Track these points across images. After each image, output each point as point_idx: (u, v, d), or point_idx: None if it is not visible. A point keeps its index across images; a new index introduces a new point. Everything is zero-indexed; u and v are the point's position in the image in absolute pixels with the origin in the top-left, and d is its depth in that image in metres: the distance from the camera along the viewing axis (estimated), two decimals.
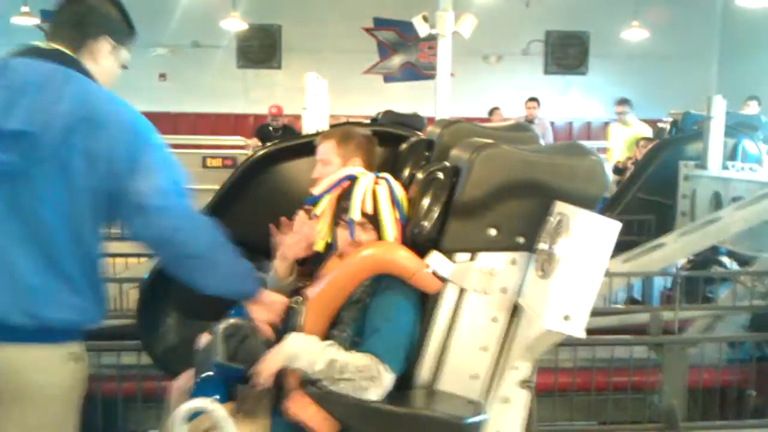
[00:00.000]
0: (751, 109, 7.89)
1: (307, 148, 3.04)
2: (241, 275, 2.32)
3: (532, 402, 2.17)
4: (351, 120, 6.25)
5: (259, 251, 2.71)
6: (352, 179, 2.30)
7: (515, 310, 2.15)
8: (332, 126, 4.56)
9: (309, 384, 2.01)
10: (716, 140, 5.86)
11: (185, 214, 2.18)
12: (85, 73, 2.17)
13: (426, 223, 2.18)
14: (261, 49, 13.55)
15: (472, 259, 2.13)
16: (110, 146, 2.06)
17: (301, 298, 2.25)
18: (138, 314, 3.19)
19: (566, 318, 1.90)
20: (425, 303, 2.18)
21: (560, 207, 2.06)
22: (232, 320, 2.25)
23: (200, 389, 2.24)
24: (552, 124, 11.42)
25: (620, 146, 8.54)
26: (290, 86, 11.04)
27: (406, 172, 2.71)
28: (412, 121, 3.66)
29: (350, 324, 2.15)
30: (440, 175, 2.22)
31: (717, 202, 5.52)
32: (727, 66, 12.57)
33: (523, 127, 2.83)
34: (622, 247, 4.36)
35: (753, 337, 4.46)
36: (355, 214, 2.23)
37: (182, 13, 12.62)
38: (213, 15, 12.31)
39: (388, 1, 13.24)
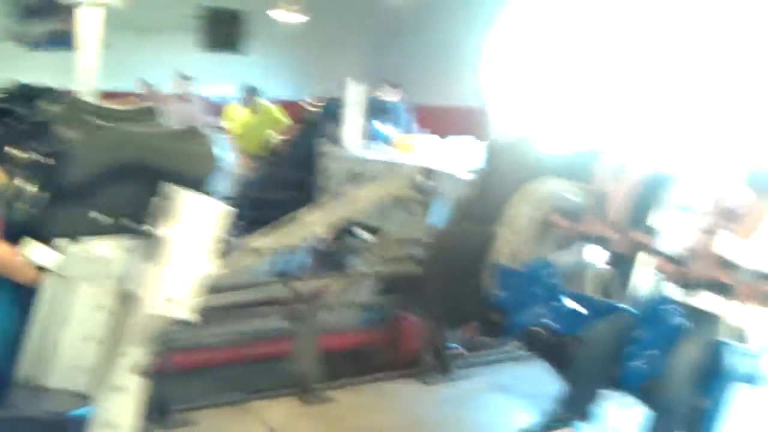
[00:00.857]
0: (388, 93, 8.65)
1: None
2: None
3: (169, 383, 2.14)
4: None
5: None
6: None
7: (126, 296, 2.11)
8: None
9: None
10: (352, 122, 6.34)
11: None
12: None
13: (22, 208, 2.02)
14: None
15: (74, 245, 2.03)
16: None
17: None
18: None
19: (169, 300, 1.91)
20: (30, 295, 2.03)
21: (168, 189, 2.05)
22: None
23: None
24: (206, 100, 11.32)
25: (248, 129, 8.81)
26: None
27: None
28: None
29: None
30: (38, 156, 2.08)
31: (352, 179, 5.99)
32: (375, 52, 13.52)
33: (146, 110, 2.76)
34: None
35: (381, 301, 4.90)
36: None
37: None
38: None
39: None
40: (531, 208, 4.33)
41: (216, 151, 2.28)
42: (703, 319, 3.28)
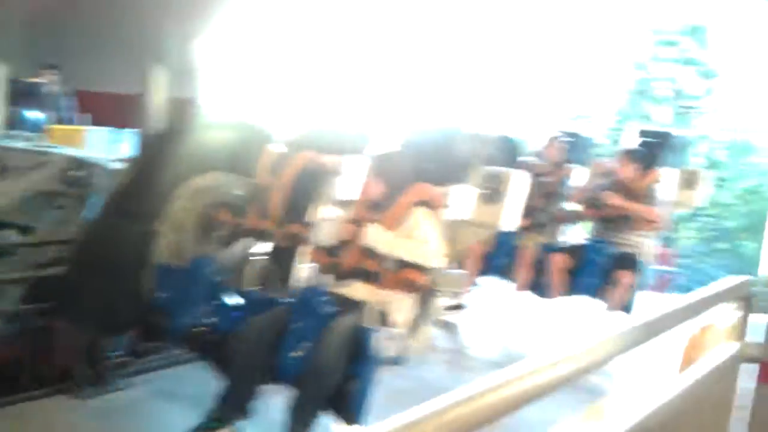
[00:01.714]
0: (44, 76, 7.84)
1: None
2: None
3: None
4: None
5: None
6: None
7: None
8: None
9: None
10: None
11: None
12: None
13: None
14: None
15: None
16: None
17: None
18: None
19: None
20: None
21: None
22: None
23: None
24: None
25: None
26: None
27: None
28: None
29: None
30: None
31: None
32: (32, 30, 12.26)
33: None
34: None
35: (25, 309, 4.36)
36: None
37: None
38: None
39: None
40: (193, 203, 4.17)
41: None
42: (351, 306, 3.40)
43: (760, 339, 2.02)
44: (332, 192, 3.99)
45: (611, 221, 5.71)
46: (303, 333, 3.32)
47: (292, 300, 3.54)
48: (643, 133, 6.71)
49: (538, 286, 5.85)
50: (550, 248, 5.83)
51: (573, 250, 5.83)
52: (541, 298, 5.95)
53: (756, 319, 2.16)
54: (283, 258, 3.94)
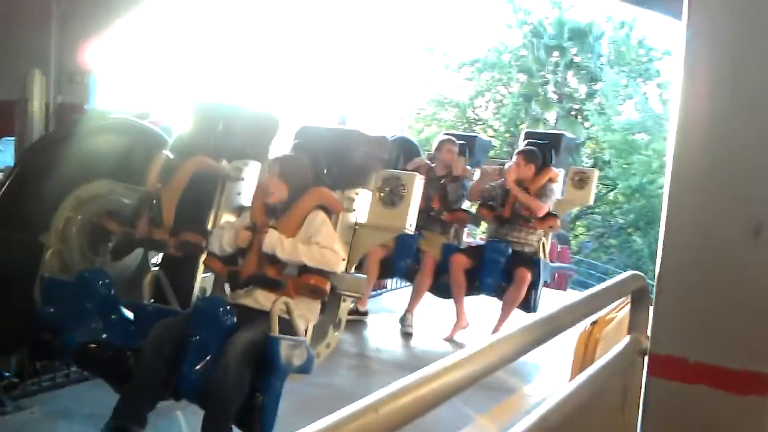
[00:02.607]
0: None
1: None
2: None
3: None
4: None
5: None
6: None
7: None
8: None
9: None
10: None
11: None
12: None
13: None
14: None
15: None
16: None
17: None
18: None
19: None
20: None
21: None
22: None
23: None
24: None
25: None
26: None
27: None
28: None
29: None
30: None
31: None
32: None
33: None
34: None
35: None
36: None
37: None
38: None
39: None
40: (78, 213, 3.97)
41: None
42: (254, 316, 3.31)
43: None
44: (227, 197, 3.88)
45: (507, 221, 5.84)
46: (203, 346, 3.21)
47: (190, 312, 3.41)
48: (531, 135, 6.90)
49: (440, 287, 5.91)
50: (451, 249, 5.91)
51: (473, 251, 5.93)
52: (443, 299, 6.02)
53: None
54: (178, 268, 3.79)
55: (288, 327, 3.31)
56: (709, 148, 1.52)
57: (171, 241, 3.69)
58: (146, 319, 3.54)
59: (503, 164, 6.36)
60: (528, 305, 5.72)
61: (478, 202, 6.11)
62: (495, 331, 5.70)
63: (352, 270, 3.92)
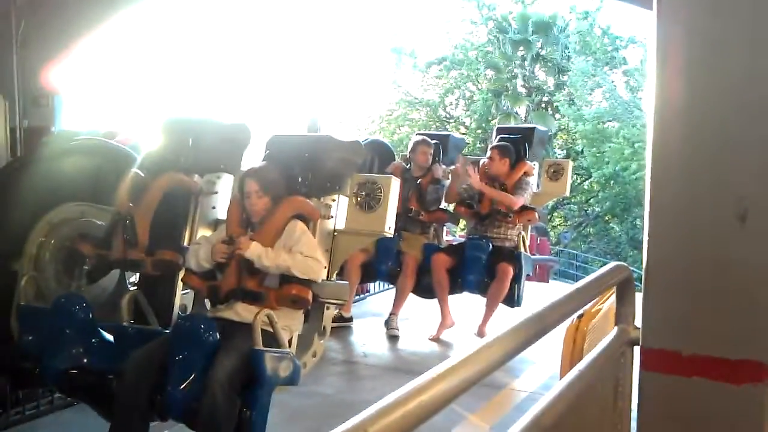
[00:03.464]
0: None
1: None
2: None
3: None
4: None
5: None
6: None
7: None
8: None
9: None
10: None
11: None
12: None
13: None
14: None
15: None
16: None
17: None
18: None
19: None
20: None
21: None
22: None
23: None
24: None
25: None
26: None
27: None
28: None
29: None
30: None
31: None
32: None
33: None
34: None
35: None
36: None
37: None
38: None
39: None
40: (51, 238, 3.90)
41: None
42: (237, 330, 3.26)
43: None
44: (202, 212, 3.82)
45: (485, 217, 5.83)
46: (187, 365, 3.14)
47: (172, 331, 3.35)
48: (503, 130, 6.91)
49: (423, 287, 5.89)
50: (431, 249, 5.89)
51: (453, 249, 5.91)
52: (426, 299, 6.00)
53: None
54: (156, 287, 3.73)
55: (272, 339, 3.26)
56: (688, 134, 1.50)
57: (147, 261, 3.63)
58: (127, 341, 3.47)
59: (477, 161, 6.36)
60: (512, 300, 5.71)
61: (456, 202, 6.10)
62: (482, 328, 5.70)
63: (334, 277, 3.88)
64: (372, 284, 7.38)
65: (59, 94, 8.19)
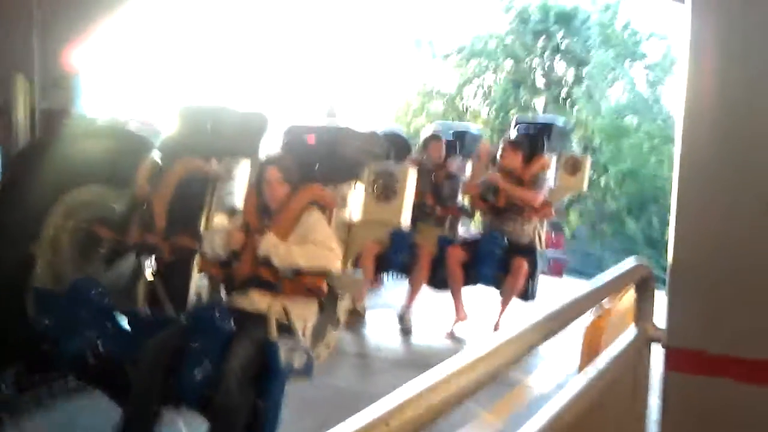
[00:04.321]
0: None
1: None
2: None
3: None
4: None
5: None
6: None
7: None
8: None
9: None
10: None
11: None
12: None
13: None
14: None
15: None
16: None
17: None
18: None
19: None
20: None
21: None
22: None
23: None
24: None
25: None
26: None
27: None
28: None
29: None
30: None
31: None
32: None
33: None
34: None
35: None
36: None
37: None
38: None
39: None
40: (68, 221, 3.90)
41: None
42: (251, 319, 3.25)
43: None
44: (218, 198, 3.82)
45: (502, 212, 5.79)
46: (202, 352, 3.14)
47: (187, 317, 3.35)
48: (522, 122, 6.84)
49: (437, 280, 5.86)
50: (446, 242, 5.86)
51: (469, 243, 5.88)
52: (440, 292, 5.97)
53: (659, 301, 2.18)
54: (173, 272, 3.73)
55: (286, 329, 3.25)
56: (717, 130, 1.46)
57: (164, 246, 3.63)
58: (142, 326, 3.48)
59: (496, 151, 6.31)
60: (526, 294, 5.68)
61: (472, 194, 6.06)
62: (497, 323, 5.67)
63: (348, 267, 3.86)
64: (386, 276, 7.36)
65: (79, 76, 8.18)
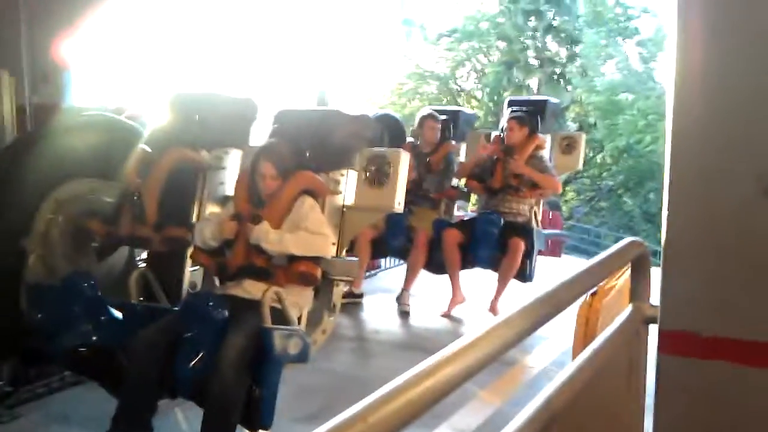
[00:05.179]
0: None
1: None
2: None
3: None
4: None
5: None
6: None
7: None
8: None
9: None
10: None
11: None
12: None
13: None
14: None
15: None
16: None
17: None
18: None
19: None
20: None
21: None
22: None
23: None
24: None
25: None
26: None
27: None
28: None
29: None
30: None
31: None
32: None
33: None
34: None
35: None
36: None
37: None
38: None
39: None
40: (59, 215, 3.86)
41: None
42: (245, 307, 3.23)
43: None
44: (210, 188, 3.78)
45: (498, 192, 5.76)
46: (197, 342, 3.12)
47: (181, 308, 3.33)
48: (515, 103, 6.79)
49: (434, 263, 5.84)
50: (442, 224, 5.83)
51: (465, 224, 5.86)
52: (438, 275, 5.96)
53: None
54: (165, 264, 3.71)
55: (281, 316, 3.23)
56: (709, 103, 1.43)
57: (156, 237, 3.60)
58: (135, 319, 3.45)
59: (489, 134, 6.27)
60: (524, 275, 5.66)
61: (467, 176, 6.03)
62: (494, 303, 5.65)
63: (343, 253, 3.84)
64: (383, 260, 7.35)
65: (69, 69, 8.11)
